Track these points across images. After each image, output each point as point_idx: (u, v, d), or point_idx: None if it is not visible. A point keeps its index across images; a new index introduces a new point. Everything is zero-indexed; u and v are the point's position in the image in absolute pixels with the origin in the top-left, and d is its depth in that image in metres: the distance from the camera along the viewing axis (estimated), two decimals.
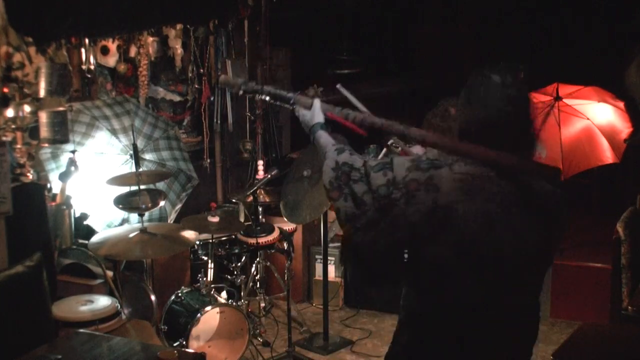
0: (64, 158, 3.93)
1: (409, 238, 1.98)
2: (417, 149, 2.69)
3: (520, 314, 2.06)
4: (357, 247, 2.04)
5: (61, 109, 3.84)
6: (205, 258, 4.47)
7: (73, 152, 3.92)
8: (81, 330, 3.43)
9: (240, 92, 2.63)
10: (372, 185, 2.01)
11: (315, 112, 2.35)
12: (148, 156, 4.26)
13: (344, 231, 2.08)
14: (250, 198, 4.60)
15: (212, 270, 4.42)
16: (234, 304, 4.33)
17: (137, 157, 3.94)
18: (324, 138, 2.27)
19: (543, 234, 2.00)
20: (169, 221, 4.37)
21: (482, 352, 2.05)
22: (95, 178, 4.01)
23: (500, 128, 1.98)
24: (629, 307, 3.99)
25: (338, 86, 2.58)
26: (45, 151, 3.94)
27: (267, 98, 2.58)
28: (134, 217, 4.07)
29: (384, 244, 2.00)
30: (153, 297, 4.02)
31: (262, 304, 4.75)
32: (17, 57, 3.69)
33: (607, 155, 5.02)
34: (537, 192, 2.00)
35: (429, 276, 2.00)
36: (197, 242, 4.47)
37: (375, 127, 2.30)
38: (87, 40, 4.30)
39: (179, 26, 4.86)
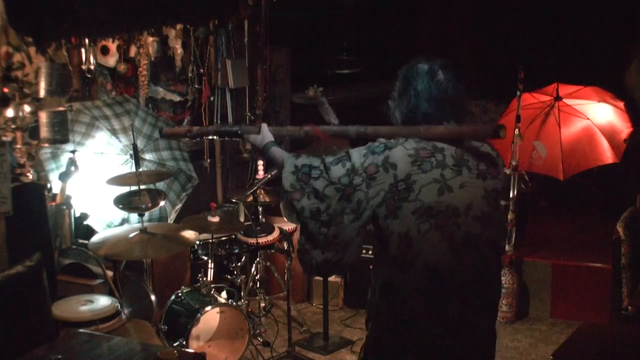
0: (64, 158, 3.93)
1: (372, 218, 2.19)
2: None
3: (484, 269, 2.24)
4: (323, 239, 2.21)
5: (61, 109, 3.85)
6: (205, 258, 4.47)
7: (73, 152, 3.92)
8: (81, 330, 3.43)
9: (185, 140, 2.78)
10: (333, 178, 2.19)
11: (264, 134, 2.48)
12: (148, 156, 4.26)
13: (308, 229, 2.22)
14: (250, 198, 4.60)
15: (212, 270, 4.42)
16: (234, 304, 4.33)
17: (137, 157, 3.94)
18: (278, 151, 2.42)
19: (488, 188, 2.26)
20: (169, 221, 4.37)
21: (458, 310, 2.20)
22: (95, 178, 4.01)
23: (437, 109, 2.27)
24: (629, 307, 3.99)
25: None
26: (45, 151, 3.94)
27: (215, 137, 2.78)
28: (134, 217, 4.07)
29: (350, 231, 2.20)
30: (153, 297, 4.02)
31: (262, 304, 4.75)
32: (17, 57, 3.69)
33: (607, 155, 5.03)
34: (479, 154, 2.27)
35: (398, 246, 2.17)
36: (197, 242, 4.47)
37: (335, 135, 2.52)
38: (87, 40, 4.30)
39: (179, 26, 4.87)
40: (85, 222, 4.11)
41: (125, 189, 3.86)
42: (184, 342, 3.93)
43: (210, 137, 2.88)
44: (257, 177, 4.88)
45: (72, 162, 3.89)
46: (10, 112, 3.69)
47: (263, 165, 5.01)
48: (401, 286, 2.21)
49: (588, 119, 5.08)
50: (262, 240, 4.59)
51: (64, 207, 3.95)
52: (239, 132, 2.62)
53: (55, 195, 3.96)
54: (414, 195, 2.15)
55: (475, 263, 2.20)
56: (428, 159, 2.19)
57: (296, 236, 5.16)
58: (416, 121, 2.27)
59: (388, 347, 2.28)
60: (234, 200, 5.10)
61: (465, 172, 2.22)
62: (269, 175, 4.45)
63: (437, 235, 2.16)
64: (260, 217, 4.76)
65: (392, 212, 2.17)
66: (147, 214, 3.95)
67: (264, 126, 2.52)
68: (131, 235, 3.81)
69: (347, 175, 2.18)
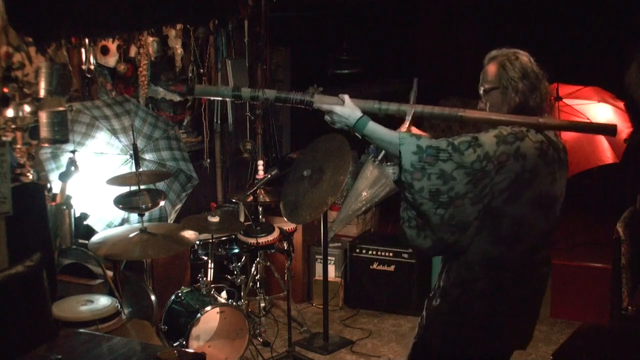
0: (64, 158, 3.93)
1: (489, 202, 2.39)
2: None
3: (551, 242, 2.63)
4: (437, 220, 2.38)
5: (61, 109, 3.84)
6: (205, 258, 4.47)
7: (73, 152, 3.92)
8: (81, 330, 3.43)
9: (265, 102, 2.75)
10: (465, 162, 2.34)
11: (352, 107, 2.53)
12: (148, 156, 4.26)
13: (422, 209, 2.38)
14: (250, 198, 4.60)
15: (212, 270, 4.42)
16: (234, 304, 4.33)
17: (137, 157, 3.94)
18: (381, 128, 2.50)
19: (566, 175, 2.59)
20: (169, 221, 4.37)
21: (540, 277, 2.60)
22: (95, 178, 4.01)
23: (542, 102, 2.53)
24: (629, 307, 3.99)
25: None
26: (45, 151, 3.94)
27: (289, 104, 2.70)
28: (134, 217, 4.07)
29: (469, 213, 2.38)
30: (153, 297, 4.02)
31: (262, 304, 4.75)
32: (17, 57, 3.69)
33: (607, 155, 5.03)
34: (561, 147, 2.56)
35: (511, 227, 2.43)
36: (197, 242, 4.47)
37: (424, 116, 2.61)
38: (87, 40, 4.30)
39: (179, 26, 4.86)
40: (85, 222, 4.11)
41: (125, 189, 3.86)
42: (184, 342, 3.93)
43: (285, 104, 2.72)
44: (257, 177, 4.87)
45: (72, 162, 3.89)
46: (10, 112, 3.69)
47: (263, 165, 5.00)
48: (504, 260, 2.47)
49: (588, 119, 5.08)
50: (262, 240, 4.58)
51: (64, 207, 3.95)
52: (311, 102, 2.58)
53: (55, 195, 3.96)
54: (535, 185, 2.41)
55: (552, 237, 2.58)
56: (548, 152, 2.44)
57: (296, 236, 5.17)
58: (524, 112, 2.47)
59: (481, 313, 2.53)
60: (234, 200, 5.10)
61: (563, 164, 2.52)
62: (269, 175, 4.46)
63: (543, 219, 2.48)
64: (260, 217, 4.76)
65: (512, 198, 2.39)
66: (147, 214, 3.95)
67: (347, 98, 2.55)
68: (131, 235, 3.81)
69: (480, 161, 2.34)
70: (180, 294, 4.18)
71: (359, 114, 2.52)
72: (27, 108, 3.75)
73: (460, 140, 2.38)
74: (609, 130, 2.52)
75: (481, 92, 2.61)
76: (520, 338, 2.71)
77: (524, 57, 2.56)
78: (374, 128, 2.50)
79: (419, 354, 2.73)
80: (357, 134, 2.55)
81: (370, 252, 5.30)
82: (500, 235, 2.43)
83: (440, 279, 2.64)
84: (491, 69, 2.57)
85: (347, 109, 2.53)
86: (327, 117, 2.58)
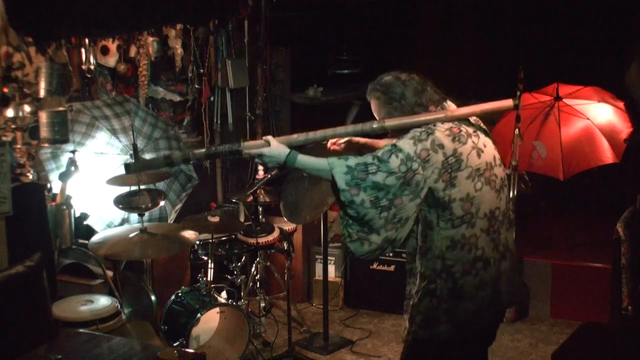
0: (64, 158, 3.94)
1: (427, 195, 2.63)
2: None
3: (507, 198, 2.82)
4: (382, 222, 2.61)
5: (61, 109, 3.85)
6: (205, 258, 4.47)
7: (73, 152, 3.92)
8: (81, 330, 3.44)
9: (180, 165, 3.01)
10: (392, 168, 2.58)
11: (278, 147, 2.73)
12: (148, 156, 4.25)
13: (367, 217, 2.60)
14: (250, 198, 4.60)
15: (212, 270, 4.42)
16: (234, 304, 4.33)
17: (137, 157, 3.93)
18: (310, 158, 2.70)
19: (491, 140, 2.83)
20: (169, 221, 4.37)
21: (504, 235, 2.79)
22: (95, 178, 4.01)
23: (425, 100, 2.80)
24: (629, 307, 3.99)
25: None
26: (45, 151, 3.94)
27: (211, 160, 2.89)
28: (134, 217, 4.07)
29: (409, 209, 2.63)
30: (153, 297, 4.02)
31: (262, 304, 4.75)
32: (17, 57, 3.70)
33: (607, 155, 5.02)
34: (473, 120, 2.84)
35: (462, 207, 2.66)
36: (197, 242, 4.47)
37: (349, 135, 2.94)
38: (87, 40, 4.30)
39: (179, 26, 4.86)
40: (85, 222, 4.11)
41: (125, 189, 3.86)
42: (184, 342, 3.92)
43: (207, 162, 2.99)
44: (257, 177, 4.87)
45: (72, 162, 3.89)
46: (10, 112, 3.69)
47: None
48: (469, 236, 2.69)
49: (588, 119, 5.07)
50: (262, 240, 4.58)
51: (64, 207, 3.95)
52: (240, 150, 2.76)
53: (55, 195, 3.97)
54: (464, 164, 2.64)
55: (505, 196, 2.79)
56: (460, 132, 2.68)
57: (296, 236, 5.17)
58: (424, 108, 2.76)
59: (466, 289, 2.73)
60: (234, 200, 5.10)
61: (481, 134, 2.75)
62: (269, 175, 4.46)
63: (487, 187, 2.69)
64: (260, 217, 4.76)
65: (449, 183, 2.63)
66: (147, 214, 3.95)
67: (272, 138, 2.75)
68: (131, 235, 3.81)
69: (404, 164, 2.59)
70: (180, 294, 4.18)
71: (286, 150, 2.71)
72: (27, 108, 3.75)
73: (383, 152, 2.63)
74: (507, 105, 2.82)
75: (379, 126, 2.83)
76: (504, 304, 2.95)
77: (387, 77, 2.85)
78: (304, 160, 2.70)
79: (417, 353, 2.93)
80: (290, 168, 2.78)
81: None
82: (456, 218, 2.67)
83: (410, 285, 2.92)
84: (373, 105, 2.86)
85: (273, 149, 2.72)
86: (257, 160, 2.79)
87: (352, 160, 2.63)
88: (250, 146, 2.77)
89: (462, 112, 2.76)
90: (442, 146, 2.63)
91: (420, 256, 2.78)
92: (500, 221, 2.76)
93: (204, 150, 2.87)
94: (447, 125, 2.69)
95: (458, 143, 2.65)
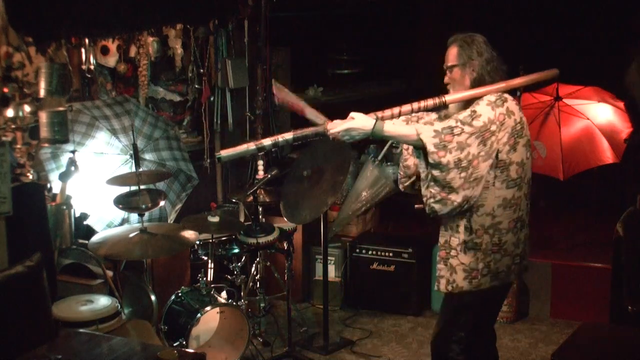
0: (64, 158, 3.93)
1: (497, 156, 2.98)
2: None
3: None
4: (461, 181, 2.95)
5: (61, 109, 3.85)
6: (205, 258, 4.47)
7: (73, 152, 3.92)
8: (81, 330, 3.44)
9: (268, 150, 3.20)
10: (474, 130, 2.93)
11: (365, 118, 2.96)
12: (148, 156, 4.26)
13: (448, 177, 2.94)
14: (250, 198, 4.60)
15: (212, 270, 4.42)
16: (234, 304, 4.33)
17: (137, 157, 3.94)
18: (395, 126, 3.01)
19: None
20: (169, 221, 4.37)
21: (528, 202, 3.21)
22: (95, 178, 4.01)
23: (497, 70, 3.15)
24: (629, 307, 3.99)
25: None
26: (45, 151, 3.94)
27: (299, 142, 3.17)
28: (134, 217, 4.07)
29: (482, 169, 2.96)
30: (153, 297, 4.02)
31: (262, 304, 4.75)
32: (17, 57, 3.69)
33: (607, 155, 5.03)
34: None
35: (517, 171, 3.04)
36: (197, 242, 4.47)
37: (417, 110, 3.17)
38: (87, 40, 4.30)
39: (179, 26, 4.86)
40: (85, 222, 4.11)
41: (125, 189, 3.86)
42: (184, 342, 3.92)
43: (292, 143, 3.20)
44: (257, 177, 4.87)
45: (72, 162, 3.89)
46: (10, 112, 3.69)
47: (263, 165, 5.00)
48: (517, 197, 3.08)
49: (588, 119, 5.08)
50: (262, 240, 4.58)
51: (64, 207, 3.95)
52: (326, 131, 2.99)
53: (55, 195, 3.96)
54: (524, 132, 3.05)
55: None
56: (519, 105, 3.11)
57: (296, 236, 5.16)
58: (483, 83, 3.07)
59: (507, 246, 3.12)
60: (234, 200, 5.10)
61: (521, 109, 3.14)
62: (269, 175, 4.46)
63: (530, 158, 3.12)
64: (260, 217, 4.75)
65: (512, 147, 3.01)
66: (147, 214, 3.95)
67: (355, 113, 2.97)
68: (131, 235, 3.81)
69: (485, 126, 2.94)
70: (180, 294, 4.18)
71: (372, 120, 2.94)
72: (27, 108, 3.75)
73: (464, 115, 2.96)
74: (552, 74, 3.31)
75: (445, 69, 3.16)
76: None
77: (479, 38, 3.12)
78: (391, 127, 2.98)
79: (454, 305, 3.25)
80: (376, 138, 3.09)
81: (370, 252, 5.30)
82: (510, 180, 3.04)
83: (446, 237, 3.18)
84: (452, 50, 3.12)
85: (359, 121, 2.94)
86: (345, 137, 2.97)
87: (439, 125, 2.94)
88: (334, 125, 2.98)
89: (516, 82, 3.15)
90: (513, 113, 3.01)
91: (470, 212, 3.06)
92: (530, 190, 3.16)
93: (291, 133, 3.07)
94: (511, 97, 3.06)
95: (521, 112, 3.06)
